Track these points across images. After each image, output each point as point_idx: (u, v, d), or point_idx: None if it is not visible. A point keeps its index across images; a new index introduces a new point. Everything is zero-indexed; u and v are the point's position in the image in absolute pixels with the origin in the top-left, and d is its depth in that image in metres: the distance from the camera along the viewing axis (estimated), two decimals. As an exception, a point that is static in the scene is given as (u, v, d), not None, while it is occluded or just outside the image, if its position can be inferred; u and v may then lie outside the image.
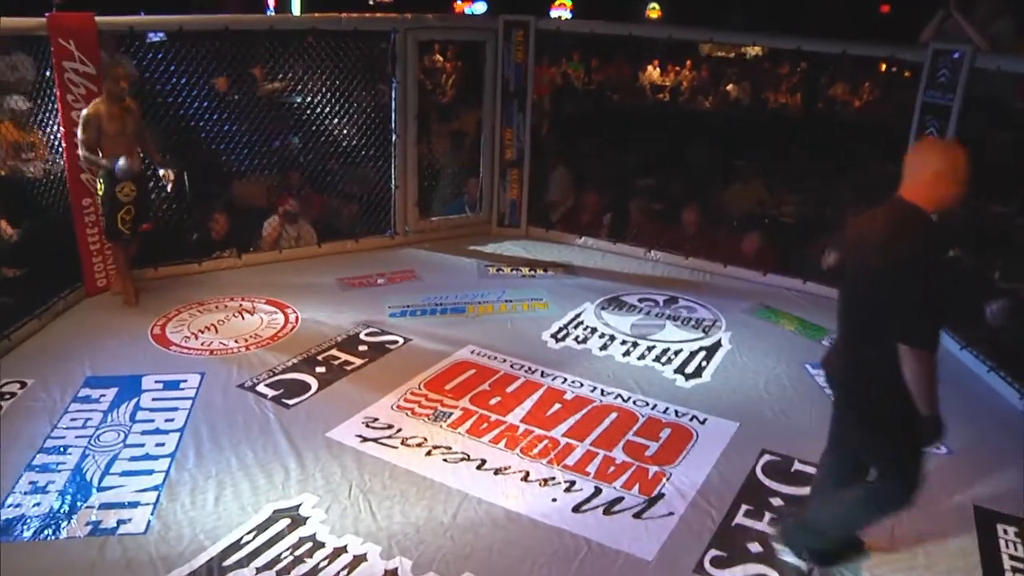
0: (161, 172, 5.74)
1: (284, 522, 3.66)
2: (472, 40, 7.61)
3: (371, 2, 19.90)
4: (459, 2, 20.78)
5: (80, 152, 5.48)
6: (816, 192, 7.56)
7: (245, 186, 7.12)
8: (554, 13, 18.79)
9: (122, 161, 5.46)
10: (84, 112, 5.45)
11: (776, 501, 3.98)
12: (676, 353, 5.49)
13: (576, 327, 5.83)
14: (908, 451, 3.15)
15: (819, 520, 3.45)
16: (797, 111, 12.60)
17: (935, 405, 3.01)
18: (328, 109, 6.98)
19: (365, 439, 4.32)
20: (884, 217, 3.03)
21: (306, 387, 4.83)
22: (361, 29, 6.84)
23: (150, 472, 3.98)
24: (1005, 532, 3.85)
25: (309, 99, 7.00)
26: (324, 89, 6.91)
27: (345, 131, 7.12)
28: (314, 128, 7.05)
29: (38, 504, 3.72)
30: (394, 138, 7.10)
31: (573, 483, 4.03)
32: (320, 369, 5.05)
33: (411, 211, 7.36)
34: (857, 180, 7.31)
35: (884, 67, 13.34)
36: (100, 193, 5.63)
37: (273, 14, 15.41)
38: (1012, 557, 3.69)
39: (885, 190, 6.62)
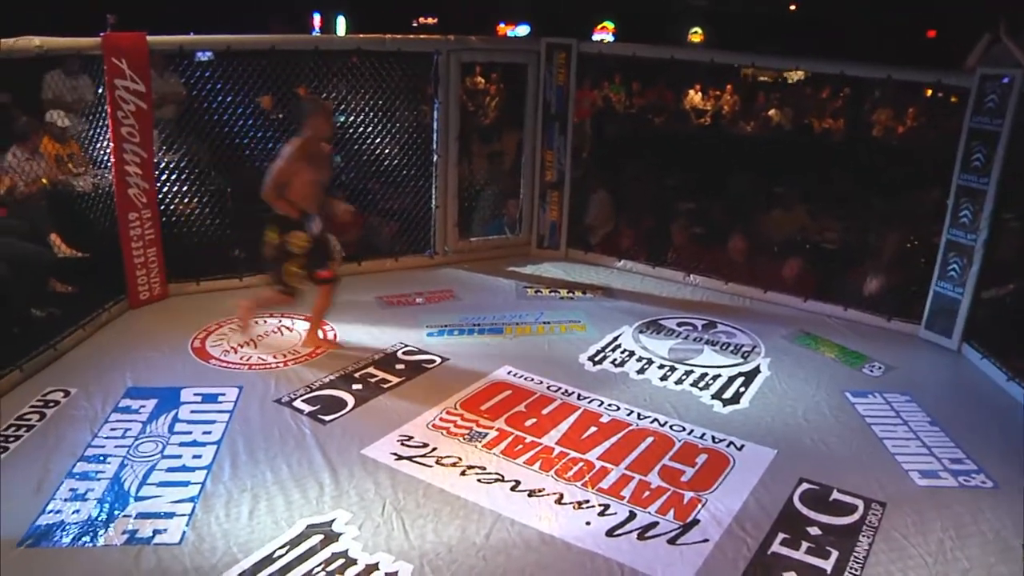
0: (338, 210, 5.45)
1: (317, 538, 3.66)
2: (514, 62, 7.66)
3: (415, 23, 20.12)
4: (502, 24, 20.94)
5: (266, 189, 5.04)
6: (859, 219, 7.48)
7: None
8: (597, 37, 18.88)
9: (316, 223, 5.13)
10: (287, 150, 5.06)
11: (814, 531, 3.91)
12: (714, 378, 5.44)
13: (614, 350, 5.80)
14: None
15: None
16: (840, 136, 12.49)
17: None
18: (371, 129, 7.04)
19: (400, 457, 4.32)
20: None
21: (343, 404, 4.86)
22: (405, 50, 6.91)
23: (186, 484, 4.02)
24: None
25: (352, 119, 7.08)
26: (367, 109, 6.98)
27: (387, 151, 7.18)
28: (356, 147, 7.13)
29: (77, 511, 3.77)
30: (435, 158, 7.15)
31: (607, 507, 4.00)
32: (357, 386, 5.07)
33: (451, 231, 7.41)
34: (900, 207, 7.23)
35: (929, 92, 13.18)
36: (266, 240, 5.21)
37: (319, 35, 15.65)
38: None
39: (928, 217, 6.57)
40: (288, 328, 5.89)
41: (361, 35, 7.03)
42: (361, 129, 7.06)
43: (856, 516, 4.05)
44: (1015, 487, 4.31)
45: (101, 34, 5.64)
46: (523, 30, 20.82)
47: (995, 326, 5.90)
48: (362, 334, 5.83)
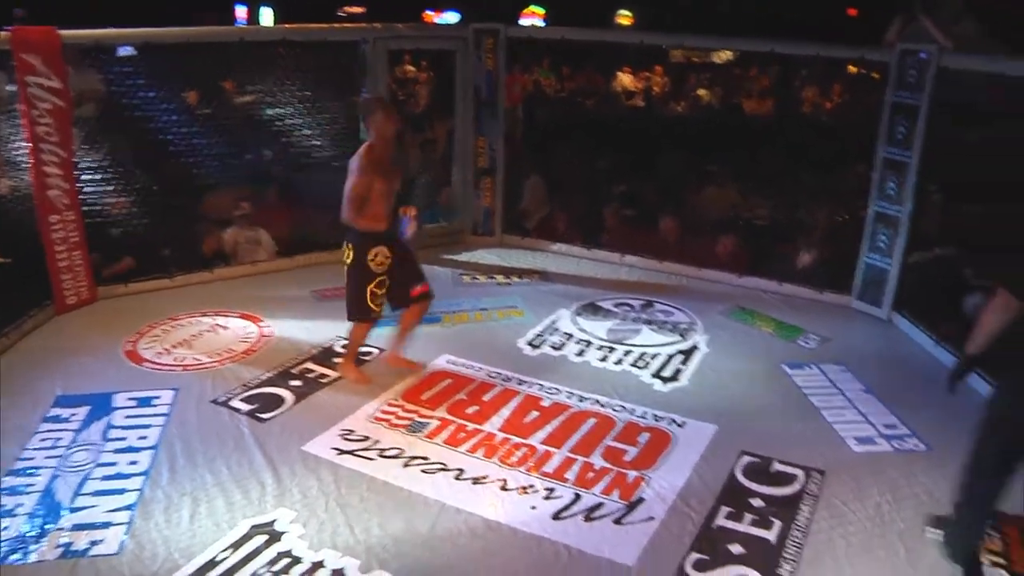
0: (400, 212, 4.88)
1: (261, 538, 3.60)
2: (443, 49, 7.60)
3: (342, 12, 19.85)
4: (430, 12, 20.76)
5: (347, 212, 4.59)
6: (789, 195, 7.60)
7: (217, 199, 7.05)
8: (525, 22, 18.82)
9: (410, 224, 4.70)
10: (359, 163, 4.57)
11: (757, 502, 3.98)
12: (653, 357, 5.49)
13: (552, 334, 5.82)
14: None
15: None
16: (769, 115, 12.65)
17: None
18: (300, 120, 6.93)
19: (342, 452, 4.27)
20: None
21: (281, 401, 4.78)
22: (331, 40, 6.81)
23: (123, 491, 3.91)
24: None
25: (280, 111, 6.96)
26: (296, 100, 6.87)
27: (318, 142, 7.07)
28: (286, 140, 7.00)
29: (6, 528, 3.64)
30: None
31: (552, 490, 4.01)
32: (295, 382, 5.00)
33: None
34: (828, 182, 7.36)
35: (853, 69, 13.43)
36: (347, 262, 4.80)
37: (243, 26, 15.33)
38: (990, 551, 3.69)
39: (855, 190, 6.70)
40: (222, 327, 5.77)
41: (287, 25, 6.91)
42: (290, 121, 6.93)
43: (797, 486, 4.13)
44: (946, 449, 4.43)
45: (8, 28, 5.44)
46: (451, 17, 20.65)
47: (922, 294, 6.06)
48: (299, 329, 5.74)
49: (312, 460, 4.20)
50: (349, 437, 4.41)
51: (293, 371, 5.14)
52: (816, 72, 13.84)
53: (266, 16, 18.78)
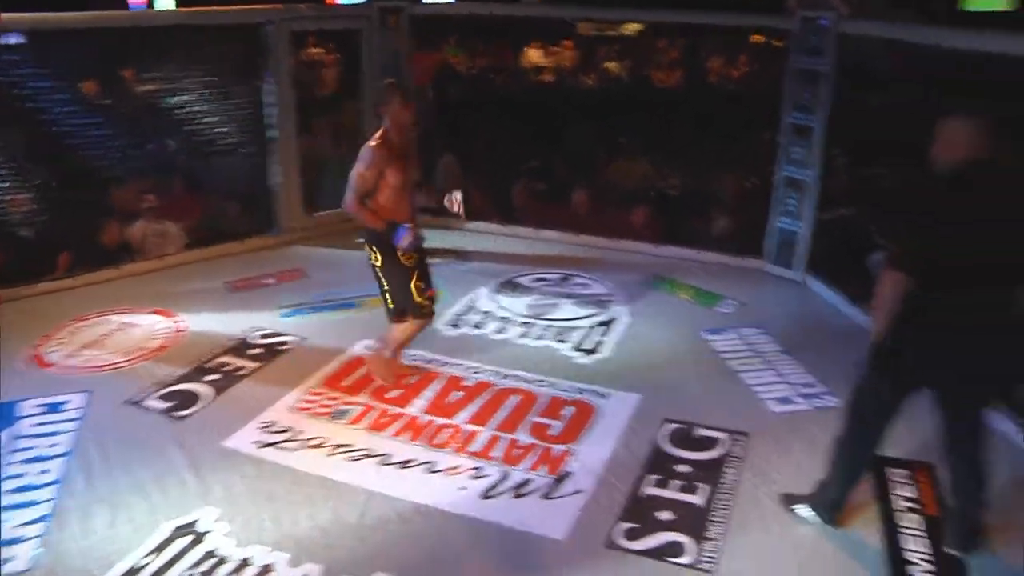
0: (447, 200, 4.64)
1: (184, 540, 3.51)
2: (348, 29, 7.44)
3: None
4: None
5: (349, 202, 4.36)
6: (700, 164, 7.70)
7: (122, 193, 6.80)
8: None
9: (406, 235, 4.37)
10: (369, 152, 4.29)
11: (683, 468, 4.05)
12: (574, 330, 5.51)
13: (472, 312, 5.80)
14: None
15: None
16: (678, 86, 12.79)
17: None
18: (204, 107, 6.72)
19: (264, 444, 4.19)
20: None
21: (198, 397, 4.65)
22: (231, 22, 6.61)
23: (33, 504, 3.75)
24: (897, 475, 4.03)
25: (183, 99, 6.73)
26: (199, 87, 6.66)
27: (223, 129, 6.87)
28: (189, 128, 6.79)
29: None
30: (273, 133, 6.89)
31: (479, 469, 4.01)
32: (212, 377, 4.87)
33: (295, 207, 7.17)
34: (738, 149, 7.48)
35: (758, 38, 13.66)
36: (377, 265, 4.52)
37: (138, 11, 14.76)
38: (905, 498, 3.87)
39: (764, 156, 6.83)
40: (134, 324, 5.58)
41: (184, 9, 6.68)
42: (194, 108, 6.71)
43: (721, 449, 4.22)
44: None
45: None
46: (357, -5, 20.31)
47: (833, 255, 6.21)
48: (213, 322, 5.59)
49: (234, 455, 4.11)
50: (271, 429, 4.32)
51: (209, 365, 5.00)
52: (722, 42, 14.06)
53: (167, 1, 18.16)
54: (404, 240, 4.36)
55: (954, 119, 3.22)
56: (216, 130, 6.84)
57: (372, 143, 4.32)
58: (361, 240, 4.58)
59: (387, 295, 4.58)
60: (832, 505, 3.65)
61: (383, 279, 4.54)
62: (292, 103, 6.93)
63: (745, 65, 13.86)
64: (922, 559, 3.48)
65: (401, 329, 4.66)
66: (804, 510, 3.69)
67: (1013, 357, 3.24)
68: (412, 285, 4.51)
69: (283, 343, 5.28)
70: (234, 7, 6.93)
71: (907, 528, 3.66)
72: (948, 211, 3.12)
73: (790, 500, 3.76)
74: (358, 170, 4.30)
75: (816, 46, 5.95)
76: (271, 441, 4.21)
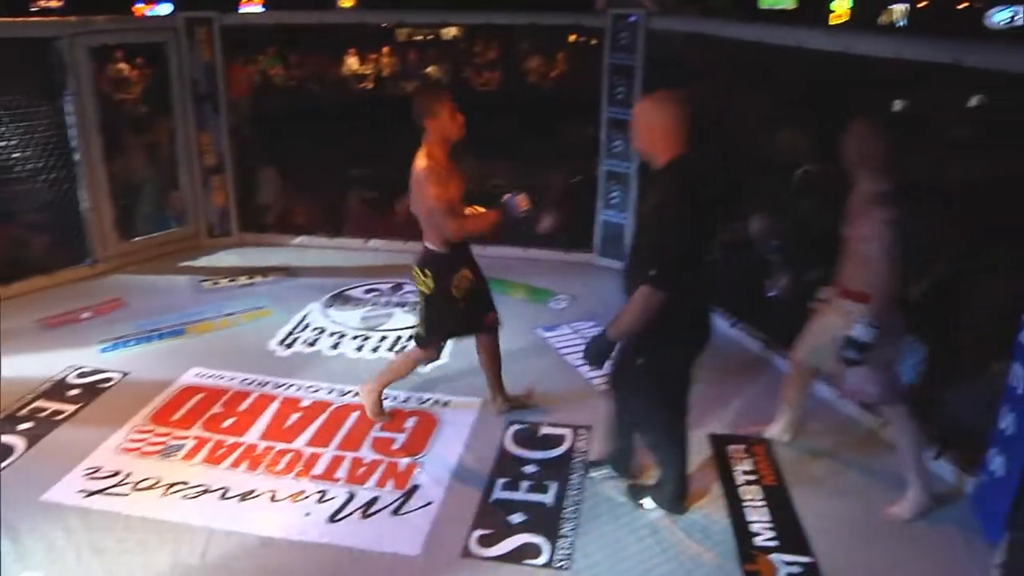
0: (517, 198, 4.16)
1: (5, 613, 3.22)
2: (153, 42, 7.07)
3: (35, 6, 18.09)
4: (140, 4, 19.39)
5: (452, 229, 4.03)
6: (523, 162, 7.81)
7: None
8: (245, 9, 18.05)
9: (518, 200, 4.10)
10: (432, 172, 3.96)
11: (530, 468, 4.07)
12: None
13: (304, 330, 5.65)
14: None
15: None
16: (498, 86, 12.96)
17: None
18: (-1, 131, 6.21)
19: (90, 493, 3.88)
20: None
21: (10, 450, 4.24)
22: (18, 36, 6.13)
23: None
24: (736, 451, 4.23)
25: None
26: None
27: (23, 154, 6.36)
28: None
29: None
30: (77, 157, 6.46)
31: (325, 492, 3.89)
32: (25, 425, 4.47)
33: (109, 234, 6.74)
34: (560, 146, 7.64)
35: (573, 38, 14.05)
36: (427, 291, 4.20)
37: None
38: (744, 472, 4.06)
39: (587, 152, 7.00)
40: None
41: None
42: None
43: (566, 445, 4.27)
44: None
45: None
46: (165, 9, 19.39)
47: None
48: (24, 364, 5.12)
49: (56, 509, 3.78)
50: (96, 475, 4.02)
51: (21, 413, 4.59)
52: (540, 42, 14.37)
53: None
54: (520, 205, 4.12)
55: (653, 107, 3.27)
56: (15, 155, 6.32)
57: (426, 162, 4.00)
58: (419, 267, 4.24)
59: (425, 323, 4.32)
60: (674, 496, 3.75)
61: (428, 307, 4.27)
62: (96, 123, 6.49)
63: (563, 63, 14.25)
64: (764, 527, 3.67)
65: (411, 360, 4.49)
66: (649, 503, 3.78)
67: None
68: (450, 316, 4.24)
69: (105, 380, 4.95)
70: (22, 19, 6.45)
71: (749, 500, 3.85)
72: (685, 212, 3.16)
73: (636, 493, 3.85)
74: (434, 193, 3.96)
75: (628, 42, 6.15)
76: (97, 488, 3.92)
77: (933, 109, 8.71)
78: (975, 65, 3.81)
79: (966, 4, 20.73)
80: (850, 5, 21.13)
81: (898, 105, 9.33)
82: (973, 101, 9.20)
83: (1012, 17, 18.48)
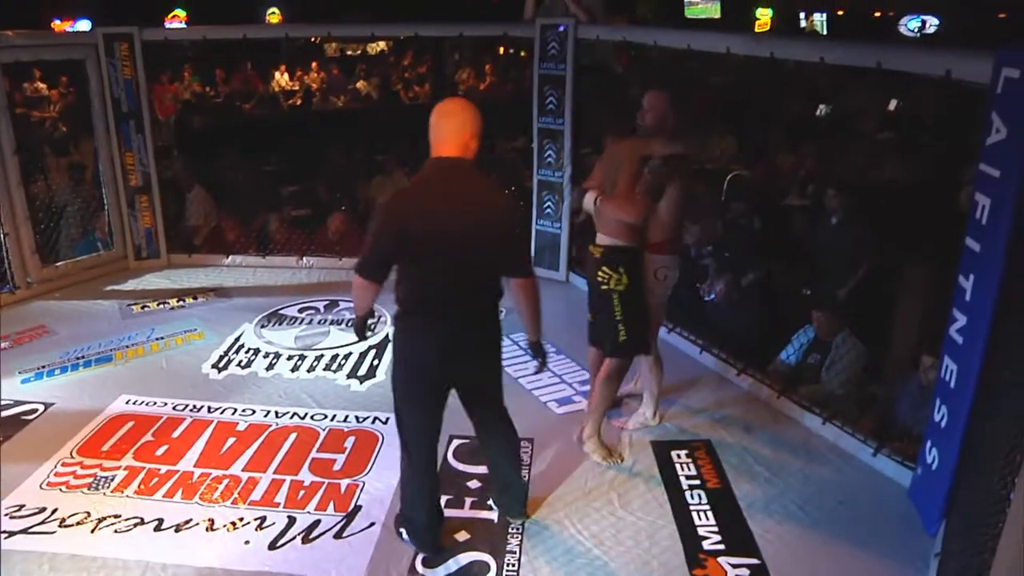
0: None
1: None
2: (71, 59, 6.82)
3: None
4: (58, 21, 18.89)
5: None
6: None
7: None
8: (170, 26, 17.74)
9: None
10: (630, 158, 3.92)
11: (473, 484, 4.00)
12: (346, 357, 5.37)
13: (238, 352, 5.50)
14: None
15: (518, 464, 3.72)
16: (427, 99, 12.94)
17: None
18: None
19: (12, 533, 3.68)
20: (474, 184, 3.18)
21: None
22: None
23: None
24: (679, 456, 4.24)
25: None
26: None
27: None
28: None
29: None
30: (-7, 180, 6.22)
31: (264, 519, 3.77)
32: (-62, 465, 4.25)
33: (30, 260, 6.47)
34: (491, 157, 7.62)
35: (502, 50, 14.12)
36: (620, 290, 3.99)
37: None
38: (687, 477, 4.07)
39: (519, 163, 6.98)
40: None
41: None
42: None
43: (509, 458, 4.21)
44: (635, 394, 4.77)
45: None
46: (84, 26, 18.90)
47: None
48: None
49: (-26, 552, 3.60)
50: (18, 514, 3.81)
51: (-67, 452, 4.37)
52: (469, 55, 14.40)
53: None
54: None
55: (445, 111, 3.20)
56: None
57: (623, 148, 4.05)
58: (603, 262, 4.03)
59: (621, 325, 4.06)
60: (419, 531, 3.57)
61: (621, 307, 4.04)
62: (11, 144, 6.22)
63: (493, 75, 14.31)
64: (710, 531, 3.68)
65: (618, 372, 4.18)
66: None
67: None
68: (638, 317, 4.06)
69: (27, 412, 4.73)
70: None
71: (694, 505, 3.86)
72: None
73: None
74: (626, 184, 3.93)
75: (557, 51, 6.17)
76: (21, 527, 3.72)
77: (855, 114, 8.96)
78: (896, 68, 3.91)
79: (879, 14, 21.48)
80: (771, 15, 21.69)
81: (822, 110, 9.60)
82: (891, 105, 9.48)
83: (922, 24, 19.45)
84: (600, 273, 4.02)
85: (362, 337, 3.68)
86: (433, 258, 3.11)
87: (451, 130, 3.12)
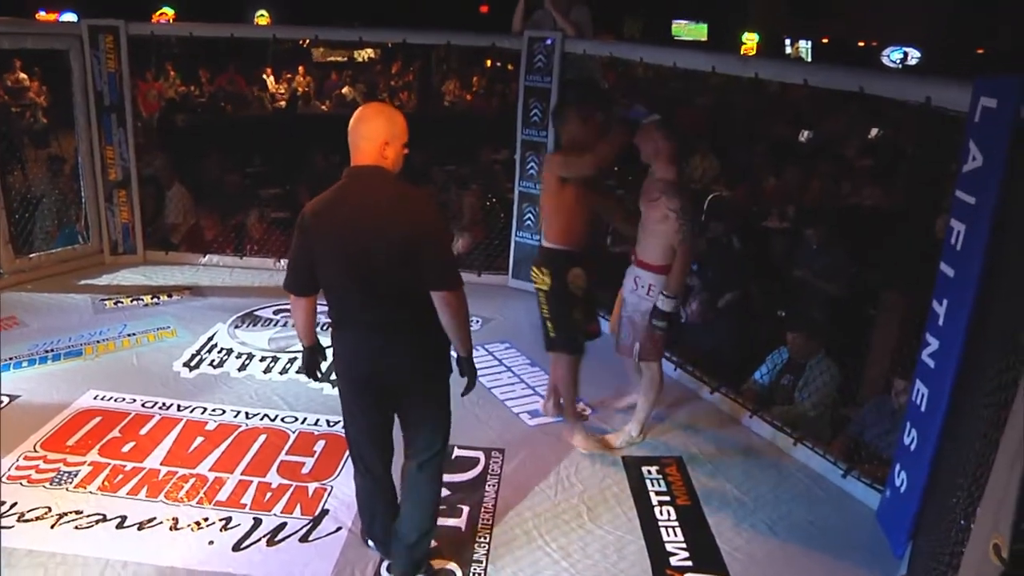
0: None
1: None
2: (54, 49, 6.75)
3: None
4: (43, 12, 18.79)
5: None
6: (438, 183, 7.79)
7: None
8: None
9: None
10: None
11: (443, 492, 3.96)
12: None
13: (210, 351, 5.45)
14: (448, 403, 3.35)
15: (419, 524, 3.34)
16: (413, 109, 12.96)
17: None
18: None
19: (-32, 526, 3.63)
20: (386, 194, 2.98)
21: None
22: None
23: None
24: (649, 472, 4.23)
25: None
26: None
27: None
28: None
29: None
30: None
31: (229, 519, 3.72)
32: None
33: (3, 250, 6.39)
34: (475, 169, 7.63)
35: (489, 63, 14.18)
36: (545, 288, 4.25)
37: None
38: (657, 493, 4.06)
39: (501, 174, 7.00)
40: None
41: None
42: None
43: (479, 468, 4.19)
44: (608, 407, 4.76)
45: None
46: (70, 18, 18.81)
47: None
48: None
49: (-73, 546, 3.51)
50: (-24, 508, 3.76)
51: None
52: (456, 66, 14.46)
53: None
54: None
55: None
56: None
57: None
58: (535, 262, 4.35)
59: (549, 323, 4.33)
60: (380, 543, 3.50)
61: (547, 305, 4.31)
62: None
63: (479, 86, 14.37)
64: (678, 547, 3.67)
65: (567, 368, 4.36)
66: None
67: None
68: (572, 315, 4.28)
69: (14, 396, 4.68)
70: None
71: (663, 521, 3.85)
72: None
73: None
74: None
75: (543, 64, 6.20)
76: (-23, 521, 3.67)
77: (838, 139, 9.06)
78: (877, 93, 3.95)
79: (863, 44, 21.86)
80: (757, 40, 21.98)
81: (804, 136, 9.69)
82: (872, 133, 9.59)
83: (904, 56, 19.87)
84: (532, 271, 4.35)
85: (312, 376, 3.56)
86: (338, 270, 3.03)
87: (365, 136, 2.99)
